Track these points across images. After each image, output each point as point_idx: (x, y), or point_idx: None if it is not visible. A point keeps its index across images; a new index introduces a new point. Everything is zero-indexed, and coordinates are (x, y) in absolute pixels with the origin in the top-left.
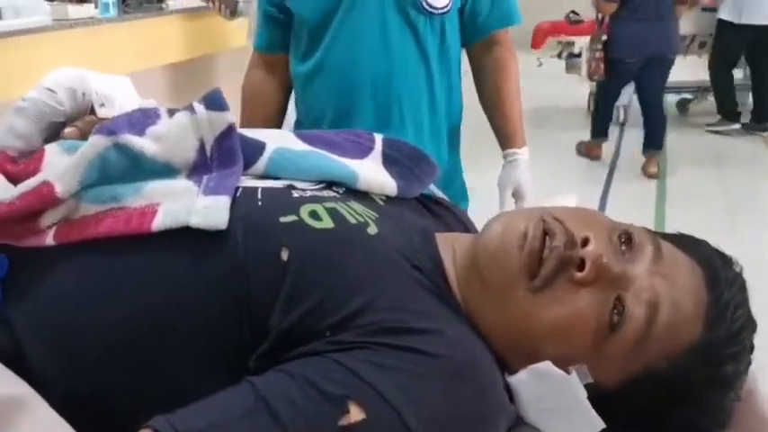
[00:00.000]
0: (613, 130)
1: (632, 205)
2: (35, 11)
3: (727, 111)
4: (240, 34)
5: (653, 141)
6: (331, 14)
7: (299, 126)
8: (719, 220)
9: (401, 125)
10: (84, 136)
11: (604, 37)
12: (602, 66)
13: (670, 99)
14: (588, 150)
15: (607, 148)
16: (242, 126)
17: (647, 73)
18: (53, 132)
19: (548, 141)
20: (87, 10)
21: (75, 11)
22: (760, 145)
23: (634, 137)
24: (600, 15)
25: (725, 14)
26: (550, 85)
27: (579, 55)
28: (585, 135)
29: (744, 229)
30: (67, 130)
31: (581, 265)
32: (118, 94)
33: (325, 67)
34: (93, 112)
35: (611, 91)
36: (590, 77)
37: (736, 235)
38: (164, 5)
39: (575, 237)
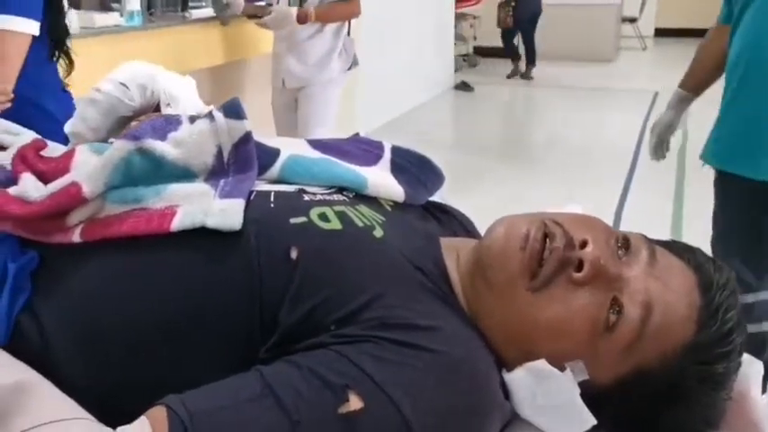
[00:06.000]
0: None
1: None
2: None
3: None
4: (266, 42)
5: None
6: None
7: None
8: None
9: None
10: None
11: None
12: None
13: None
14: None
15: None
16: None
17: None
18: (120, 125)
19: None
20: (113, 18)
21: (101, 19)
22: None
23: None
24: None
25: None
26: None
27: None
28: None
29: None
30: (134, 124)
31: (579, 266)
32: (183, 95)
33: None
34: (158, 109)
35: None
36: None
37: None
38: (187, 14)
39: (573, 239)
